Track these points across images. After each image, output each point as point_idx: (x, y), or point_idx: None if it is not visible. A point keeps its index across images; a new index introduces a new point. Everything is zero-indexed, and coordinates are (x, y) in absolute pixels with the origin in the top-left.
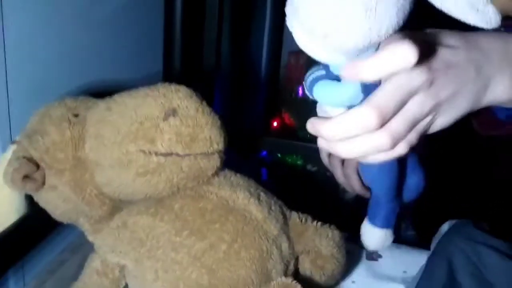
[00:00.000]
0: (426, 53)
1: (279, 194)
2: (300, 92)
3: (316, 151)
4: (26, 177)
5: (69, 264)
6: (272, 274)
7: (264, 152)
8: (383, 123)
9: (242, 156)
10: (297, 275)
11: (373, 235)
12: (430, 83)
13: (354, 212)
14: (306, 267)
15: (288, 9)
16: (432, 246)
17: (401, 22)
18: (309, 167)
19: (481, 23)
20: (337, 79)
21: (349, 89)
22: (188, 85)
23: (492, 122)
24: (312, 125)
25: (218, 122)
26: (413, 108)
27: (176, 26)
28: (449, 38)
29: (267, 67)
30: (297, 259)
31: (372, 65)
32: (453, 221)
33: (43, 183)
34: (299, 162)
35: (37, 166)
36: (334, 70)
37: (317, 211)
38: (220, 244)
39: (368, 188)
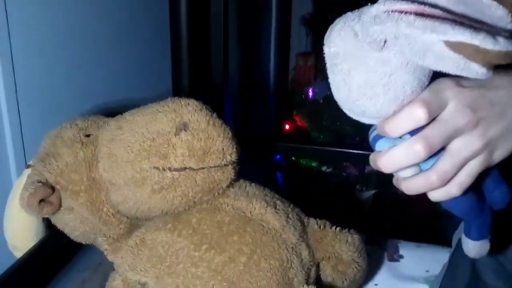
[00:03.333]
0: (469, 97)
1: (295, 197)
2: (310, 94)
3: (330, 152)
4: (42, 201)
5: (90, 283)
6: (294, 283)
7: (278, 156)
8: (429, 154)
9: (257, 162)
10: (319, 282)
11: (470, 246)
12: (476, 123)
13: (371, 212)
14: (327, 274)
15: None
16: (453, 243)
17: (419, 90)
18: (324, 168)
19: (472, 76)
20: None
21: None
22: (198, 97)
23: None
24: (371, 160)
25: (230, 134)
26: (459, 147)
27: (182, 37)
28: (494, 78)
29: (276, 71)
30: (318, 266)
31: (390, 124)
32: None
33: (60, 205)
34: (313, 164)
35: (53, 189)
36: None
37: (334, 212)
38: (240, 256)
39: None
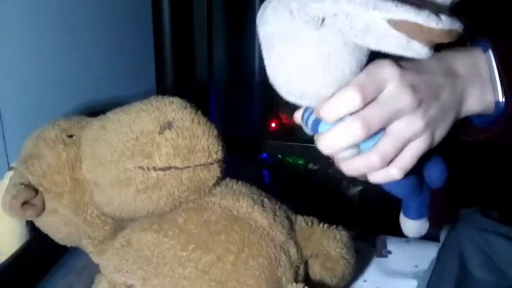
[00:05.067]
0: (409, 78)
1: (282, 194)
2: None
3: (316, 149)
4: (25, 203)
5: (76, 287)
6: (282, 281)
7: (265, 154)
8: (368, 134)
9: (243, 160)
10: (307, 280)
11: (409, 226)
12: (417, 104)
13: (358, 208)
14: (316, 271)
15: (269, 77)
16: (441, 238)
17: (358, 69)
18: (310, 166)
19: (413, 55)
20: None
21: None
22: (182, 95)
23: (473, 130)
24: (315, 139)
25: (215, 131)
26: (401, 127)
27: (165, 35)
28: (426, 61)
29: (261, 68)
30: (306, 263)
31: (327, 108)
32: (461, 211)
33: (43, 208)
34: (300, 162)
35: (36, 191)
36: None
37: (321, 209)
38: (227, 255)
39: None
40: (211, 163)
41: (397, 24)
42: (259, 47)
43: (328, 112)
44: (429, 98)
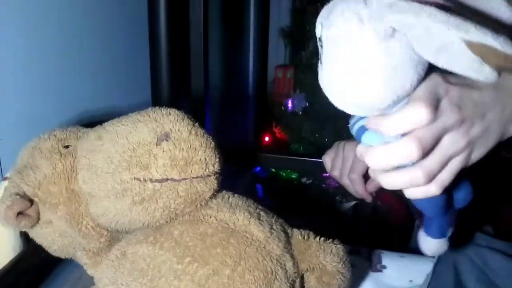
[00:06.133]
0: (456, 95)
1: (275, 209)
2: (290, 105)
3: (310, 163)
4: (20, 214)
5: None
6: None
7: (258, 168)
8: (422, 155)
9: (237, 174)
10: None
11: (428, 244)
12: (461, 122)
13: (352, 222)
14: (312, 285)
15: (322, 83)
16: None
17: (417, 85)
18: (304, 180)
19: (481, 79)
20: None
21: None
22: (178, 107)
23: None
24: (359, 152)
25: (212, 144)
26: (446, 145)
27: (161, 50)
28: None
29: (255, 83)
30: (302, 277)
31: (390, 123)
32: None
33: (38, 218)
34: (293, 176)
35: (31, 201)
36: None
37: (314, 224)
38: (224, 268)
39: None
40: (208, 175)
41: (473, 46)
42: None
43: (390, 126)
44: (473, 116)
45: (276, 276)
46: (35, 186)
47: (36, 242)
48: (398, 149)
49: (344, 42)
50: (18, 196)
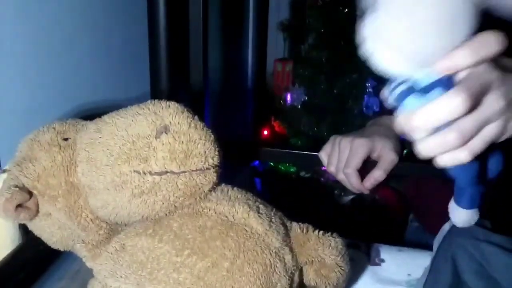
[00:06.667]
0: (508, 83)
1: (274, 202)
2: (289, 99)
3: (308, 157)
4: (19, 206)
5: None
6: None
7: (257, 162)
8: (472, 108)
9: (235, 167)
10: (302, 287)
11: (459, 215)
12: (502, 81)
13: (350, 216)
14: (310, 278)
15: (369, 34)
16: (435, 247)
17: (473, 30)
18: (302, 174)
19: None
20: (424, 90)
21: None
22: (176, 101)
23: None
24: (405, 117)
25: (212, 136)
26: (485, 105)
27: (161, 43)
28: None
29: (254, 76)
30: (301, 270)
31: (465, 52)
32: None
33: (37, 211)
34: (292, 170)
35: (30, 194)
36: (421, 81)
37: (313, 218)
38: (223, 261)
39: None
40: (207, 168)
41: None
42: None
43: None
44: (510, 83)
45: (275, 269)
46: (34, 178)
47: (35, 234)
48: (446, 102)
49: None
50: (17, 189)
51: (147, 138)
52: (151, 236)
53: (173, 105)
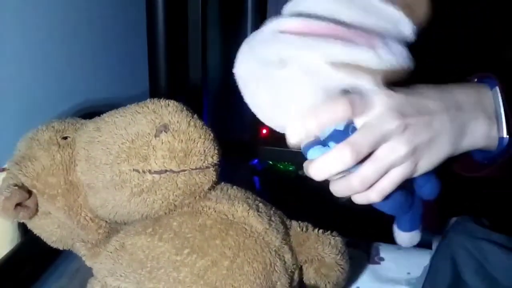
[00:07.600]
0: (397, 101)
1: (273, 201)
2: None
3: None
4: (18, 205)
5: None
6: (277, 286)
7: (255, 160)
8: (357, 160)
9: (234, 166)
10: (302, 285)
11: (401, 237)
12: (403, 129)
13: (350, 215)
14: (310, 277)
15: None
16: (434, 245)
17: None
18: (301, 172)
19: (384, 24)
20: (323, 144)
21: None
22: (175, 99)
23: (472, 165)
24: (305, 166)
25: (211, 135)
26: (384, 153)
27: (159, 42)
28: (424, 89)
29: None
30: (300, 269)
31: (314, 119)
32: (453, 219)
33: (36, 210)
34: (290, 168)
35: (29, 193)
36: (322, 135)
37: (312, 216)
38: (222, 260)
39: None
40: (207, 167)
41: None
42: None
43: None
44: (418, 125)
45: (274, 267)
46: (34, 177)
47: (35, 233)
48: (333, 156)
49: (250, 80)
50: (16, 188)
51: (146, 136)
52: (150, 235)
53: (173, 103)
